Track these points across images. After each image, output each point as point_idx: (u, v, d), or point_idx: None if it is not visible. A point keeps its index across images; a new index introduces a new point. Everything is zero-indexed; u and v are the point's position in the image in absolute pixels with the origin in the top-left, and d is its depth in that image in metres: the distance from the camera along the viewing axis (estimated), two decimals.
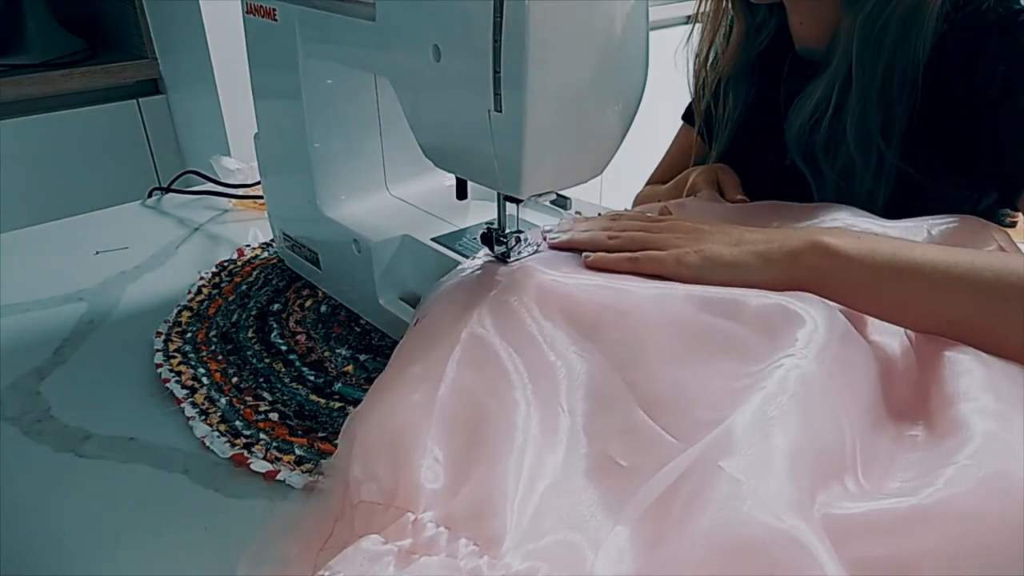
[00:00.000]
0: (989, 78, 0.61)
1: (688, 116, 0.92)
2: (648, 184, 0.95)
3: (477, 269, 0.53)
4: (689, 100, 0.89)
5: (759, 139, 0.78)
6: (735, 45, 0.79)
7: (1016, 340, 0.44)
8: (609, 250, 0.53)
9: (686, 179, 0.77)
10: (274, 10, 0.62)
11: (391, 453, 0.39)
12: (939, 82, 0.63)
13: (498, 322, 0.46)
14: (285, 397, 0.56)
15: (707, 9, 0.81)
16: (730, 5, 0.79)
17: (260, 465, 0.49)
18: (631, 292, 0.48)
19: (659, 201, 0.74)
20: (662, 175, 0.93)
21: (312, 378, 0.59)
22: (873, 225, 0.57)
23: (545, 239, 0.56)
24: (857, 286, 0.47)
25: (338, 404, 0.55)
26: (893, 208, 0.64)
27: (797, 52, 0.76)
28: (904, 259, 0.47)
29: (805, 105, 0.70)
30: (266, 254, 0.80)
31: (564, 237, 0.56)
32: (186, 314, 0.68)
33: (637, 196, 0.92)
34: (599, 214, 0.65)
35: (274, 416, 0.54)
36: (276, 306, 0.69)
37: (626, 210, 0.71)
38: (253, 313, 0.68)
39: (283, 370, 0.60)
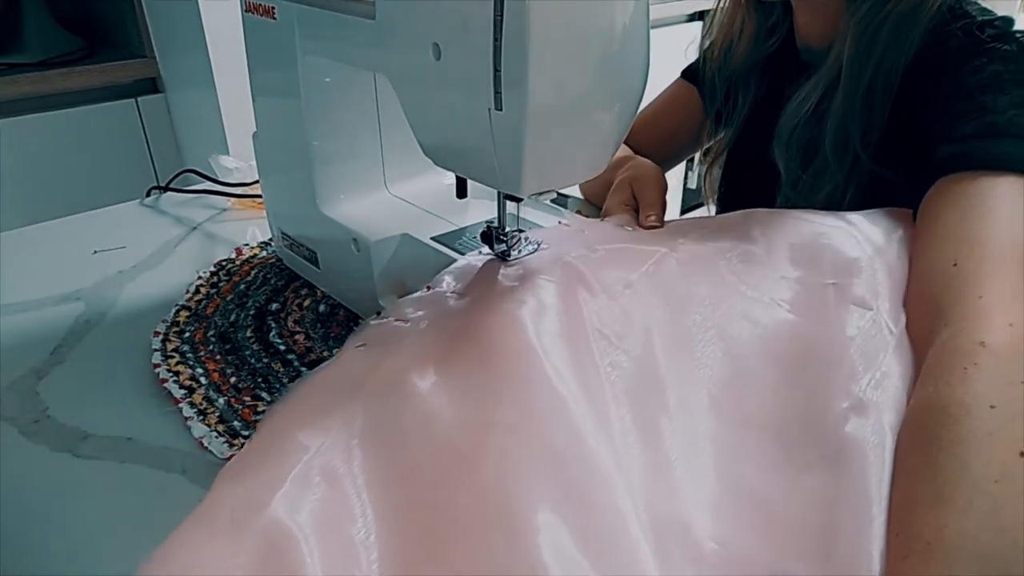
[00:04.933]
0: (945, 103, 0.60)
1: (687, 75, 0.91)
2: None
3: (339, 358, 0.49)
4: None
5: (762, 138, 0.78)
6: (745, 44, 0.79)
7: None
8: None
9: (617, 170, 0.72)
10: (273, 8, 0.62)
11: None
12: (914, 95, 0.62)
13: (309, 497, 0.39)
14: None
15: (724, 5, 0.81)
16: (743, 4, 0.79)
17: None
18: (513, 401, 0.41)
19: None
20: (635, 131, 0.86)
21: None
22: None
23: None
24: None
25: None
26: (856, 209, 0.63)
27: (799, 53, 0.76)
28: None
29: (793, 106, 0.70)
30: (264, 253, 0.80)
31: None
32: (184, 314, 0.68)
33: None
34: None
35: None
36: (275, 305, 0.69)
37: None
38: (251, 312, 0.68)
39: (282, 370, 0.59)
